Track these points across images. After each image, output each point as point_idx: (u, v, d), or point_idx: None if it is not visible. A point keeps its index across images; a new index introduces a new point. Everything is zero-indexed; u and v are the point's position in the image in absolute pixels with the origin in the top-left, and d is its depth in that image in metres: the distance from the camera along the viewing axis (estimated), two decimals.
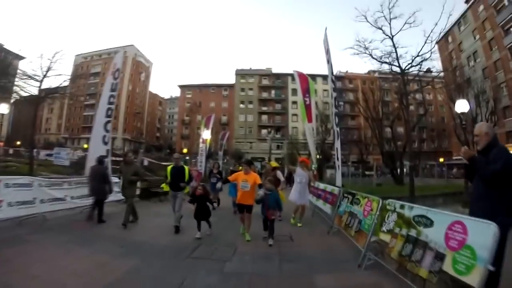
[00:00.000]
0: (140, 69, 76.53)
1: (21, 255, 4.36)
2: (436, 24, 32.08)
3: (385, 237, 3.94)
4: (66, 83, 24.23)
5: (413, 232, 3.37)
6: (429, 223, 3.15)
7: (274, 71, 67.02)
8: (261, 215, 6.26)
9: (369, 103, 39.25)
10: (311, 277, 3.96)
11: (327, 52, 8.73)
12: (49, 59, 18.48)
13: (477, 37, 41.48)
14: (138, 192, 9.27)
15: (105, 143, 8.05)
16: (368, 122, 38.04)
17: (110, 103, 8.11)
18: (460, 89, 40.61)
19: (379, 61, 20.70)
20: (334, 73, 39.42)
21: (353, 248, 4.93)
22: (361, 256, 4.29)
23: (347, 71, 64.30)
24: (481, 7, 40.12)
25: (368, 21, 18.47)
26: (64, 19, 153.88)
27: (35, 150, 25.68)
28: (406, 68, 19.78)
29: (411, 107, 55.59)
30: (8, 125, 24.80)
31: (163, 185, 7.88)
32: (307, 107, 9.97)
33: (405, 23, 17.77)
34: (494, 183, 2.82)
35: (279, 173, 8.89)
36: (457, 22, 45.86)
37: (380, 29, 18.55)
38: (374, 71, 64.08)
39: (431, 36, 18.14)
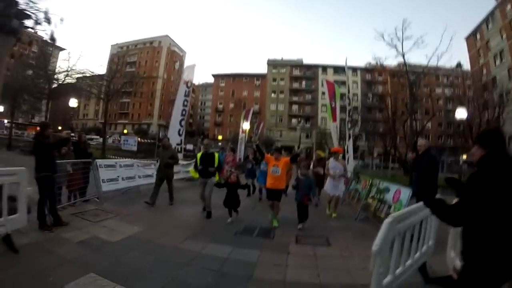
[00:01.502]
0: (174, 58, 79.60)
1: (144, 209, 7.29)
2: (437, 49, 34.40)
3: (370, 201, 6.66)
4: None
5: (381, 196, 6.08)
6: (388, 190, 5.85)
7: (305, 62, 68.38)
8: (295, 200, 6.34)
9: (398, 96, 40.64)
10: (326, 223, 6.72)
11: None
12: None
13: (504, 36, 41.54)
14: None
15: (180, 135, 10.99)
16: (395, 116, 39.36)
17: (184, 105, 11.02)
18: (485, 87, 41.37)
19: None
20: (364, 65, 41.24)
21: (354, 211, 7.65)
22: (357, 214, 7.03)
23: (377, 63, 64.87)
24: (509, 6, 40.12)
25: (384, 40, 22.67)
26: (99, 9, 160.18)
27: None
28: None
29: (440, 102, 56.20)
30: (46, 110, 28.08)
31: (191, 170, 8.49)
32: (333, 110, 12.39)
33: (414, 43, 22.36)
34: (422, 173, 5.38)
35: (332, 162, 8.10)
36: (486, 20, 45.80)
37: (394, 47, 22.73)
38: (404, 64, 64.42)
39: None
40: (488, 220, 1.84)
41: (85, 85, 32.91)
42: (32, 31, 7.16)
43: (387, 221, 2.43)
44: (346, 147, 10.08)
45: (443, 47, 71.48)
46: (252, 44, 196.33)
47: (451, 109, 47.19)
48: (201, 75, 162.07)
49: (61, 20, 7.42)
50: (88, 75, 29.30)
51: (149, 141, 28.75)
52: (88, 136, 38.46)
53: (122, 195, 8.44)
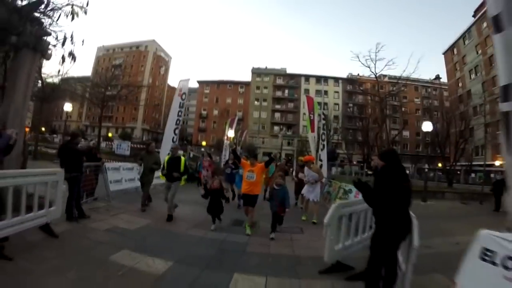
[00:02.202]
0: (160, 63, 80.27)
1: (147, 207, 8.46)
2: (404, 70, 37.76)
3: (338, 200, 8.04)
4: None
5: (346, 196, 7.48)
6: (351, 192, 7.24)
7: (289, 71, 70.31)
8: (270, 210, 6.33)
9: (376, 107, 42.72)
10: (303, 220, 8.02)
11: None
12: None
13: (479, 52, 44.42)
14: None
15: (173, 142, 12.13)
16: (367, 127, 41.46)
17: (178, 115, 12.16)
18: (461, 99, 44.07)
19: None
20: (346, 76, 43.69)
21: (326, 209, 9.01)
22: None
23: (358, 74, 67.53)
24: (485, 24, 43.02)
25: (360, 61, 25.77)
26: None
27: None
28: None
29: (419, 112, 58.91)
30: (40, 112, 28.75)
31: (160, 175, 8.28)
32: (312, 121, 13.74)
33: (386, 65, 26.37)
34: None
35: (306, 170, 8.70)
36: (463, 36, 48.81)
37: (368, 67, 27.71)
38: (384, 75, 67.31)
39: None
40: (388, 201, 3.19)
41: (70, 87, 33.49)
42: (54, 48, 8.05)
43: (334, 205, 3.77)
44: (319, 156, 11.44)
45: (412, 68, 76.15)
46: (237, 52, 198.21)
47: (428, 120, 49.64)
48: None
49: (83, 41, 8.46)
50: (75, 76, 29.92)
51: (140, 146, 29.57)
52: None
53: (124, 195, 9.50)
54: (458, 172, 42.50)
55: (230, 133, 22.95)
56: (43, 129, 51.07)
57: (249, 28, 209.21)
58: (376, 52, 26.41)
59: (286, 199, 6.31)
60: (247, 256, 4.74)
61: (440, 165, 44.28)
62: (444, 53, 54.70)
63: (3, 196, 4.02)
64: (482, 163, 37.15)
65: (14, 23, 7.06)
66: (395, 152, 3.53)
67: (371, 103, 47.79)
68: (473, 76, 45.41)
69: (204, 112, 71.07)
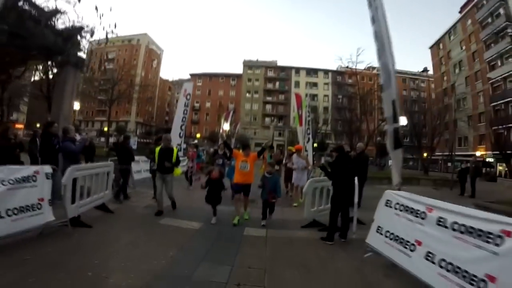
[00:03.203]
0: (152, 56, 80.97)
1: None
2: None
3: None
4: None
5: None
6: None
7: (280, 63, 72.31)
8: (261, 198, 6.64)
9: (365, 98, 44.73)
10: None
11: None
12: None
13: (464, 47, 46.51)
14: None
15: (180, 137, 13.95)
16: (365, 116, 43.39)
17: (184, 113, 13.98)
18: (446, 93, 46.36)
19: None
20: (336, 68, 45.68)
21: None
22: None
23: (347, 67, 69.41)
24: (469, 21, 45.07)
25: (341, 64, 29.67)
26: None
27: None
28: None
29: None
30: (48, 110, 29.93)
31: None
32: (300, 117, 15.60)
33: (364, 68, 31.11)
34: (357, 165, 8.74)
35: (295, 158, 9.79)
36: (448, 32, 50.90)
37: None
38: (373, 68, 69.39)
39: None
40: (335, 177, 5.27)
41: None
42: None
43: (309, 180, 5.81)
44: (305, 147, 13.34)
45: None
46: (229, 44, 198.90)
47: (416, 111, 51.67)
48: (178, 72, 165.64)
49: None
50: None
51: (145, 140, 31.26)
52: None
53: (143, 183, 11.35)
54: (440, 162, 45.13)
55: (226, 126, 24.75)
56: (37, 125, 51.47)
57: (241, 19, 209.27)
58: (357, 55, 30.78)
59: (278, 187, 6.69)
60: (251, 222, 6.65)
61: (425, 155, 46.72)
62: (430, 47, 56.89)
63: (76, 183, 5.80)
64: (464, 153, 39.70)
65: (59, 45, 8.86)
66: (342, 148, 5.64)
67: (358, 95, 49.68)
68: (457, 70, 47.58)
69: (196, 105, 72.36)
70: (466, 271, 2.81)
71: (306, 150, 12.57)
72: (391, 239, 4.01)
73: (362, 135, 39.24)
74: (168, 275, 3.68)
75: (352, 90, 59.90)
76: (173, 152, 7.13)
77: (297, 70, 69.88)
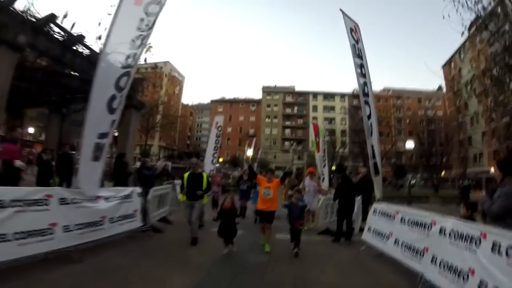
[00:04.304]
0: (174, 83, 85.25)
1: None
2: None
3: None
4: None
5: None
6: None
7: (297, 89, 74.93)
8: (288, 224, 6.43)
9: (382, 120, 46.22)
10: None
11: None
12: None
13: (474, 65, 47.76)
14: None
15: (213, 163, 16.13)
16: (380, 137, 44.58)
17: (216, 143, 16.22)
18: (459, 110, 47.37)
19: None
20: (351, 91, 47.32)
21: None
22: None
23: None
24: (478, 39, 46.39)
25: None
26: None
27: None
28: None
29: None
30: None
31: (180, 194, 8.26)
32: (317, 144, 17.63)
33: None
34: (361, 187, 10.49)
35: (307, 181, 9.38)
36: (458, 50, 52.35)
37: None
38: (388, 90, 71.16)
39: None
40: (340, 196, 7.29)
41: None
42: None
43: (322, 198, 7.83)
44: (322, 171, 15.19)
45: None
46: (247, 69, 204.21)
47: (433, 130, 52.57)
48: (197, 97, 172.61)
49: None
50: None
51: (179, 165, 33.67)
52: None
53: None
54: (454, 179, 45.62)
55: (249, 152, 26.91)
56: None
57: (258, 45, 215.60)
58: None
59: (303, 212, 6.72)
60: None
61: (443, 173, 47.16)
62: (443, 66, 58.24)
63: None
64: (480, 169, 40.21)
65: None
66: (345, 175, 7.68)
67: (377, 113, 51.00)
68: (468, 88, 48.57)
69: (211, 127, 74.61)
70: (412, 246, 4.79)
71: (322, 174, 14.45)
72: (375, 234, 6.00)
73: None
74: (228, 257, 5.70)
75: None
76: (203, 177, 6.80)
77: (315, 94, 72.20)
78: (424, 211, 5.13)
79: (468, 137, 34.51)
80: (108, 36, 5.00)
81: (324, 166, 15.51)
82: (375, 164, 6.66)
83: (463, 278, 3.48)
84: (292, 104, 73.41)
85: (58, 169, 8.01)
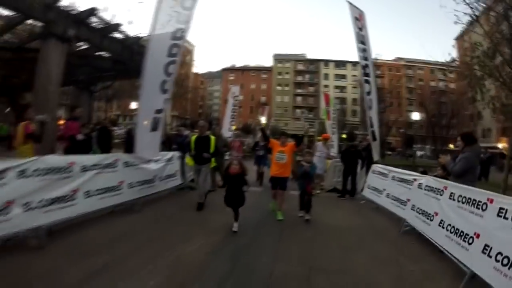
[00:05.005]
0: (185, 52, 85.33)
1: None
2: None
3: None
4: None
5: None
6: None
7: (308, 56, 74.53)
8: (299, 189, 6.24)
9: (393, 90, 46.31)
10: None
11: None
12: None
13: (487, 40, 46.83)
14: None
15: (230, 131, 17.43)
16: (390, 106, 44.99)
17: (233, 111, 17.45)
18: (470, 85, 46.95)
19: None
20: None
21: None
22: None
23: (375, 58, 70.42)
24: (492, 13, 45.33)
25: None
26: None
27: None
28: None
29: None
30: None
31: (187, 158, 8.06)
32: (328, 112, 18.72)
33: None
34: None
35: (320, 146, 9.71)
36: (473, 23, 51.08)
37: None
38: (400, 58, 70.23)
39: None
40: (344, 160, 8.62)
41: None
42: None
43: (331, 161, 9.14)
44: (331, 138, 16.29)
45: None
46: (258, 37, 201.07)
47: (443, 102, 52.41)
48: (207, 65, 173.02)
49: None
50: None
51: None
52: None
53: None
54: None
55: (263, 119, 28.07)
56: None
57: (269, 12, 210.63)
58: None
59: (313, 176, 6.47)
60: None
61: (451, 146, 47.64)
62: (455, 39, 57.00)
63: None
64: (487, 144, 40.67)
65: None
66: (350, 144, 8.85)
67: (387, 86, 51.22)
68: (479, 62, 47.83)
69: (228, 97, 75.63)
70: (398, 198, 6.11)
71: (332, 141, 15.66)
72: (372, 189, 7.35)
73: (390, 125, 41.18)
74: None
75: (380, 81, 61.56)
76: (211, 140, 6.58)
77: (326, 62, 71.78)
78: (409, 171, 6.40)
79: (478, 111, 34.31)
80: (152, 30, 6.13)
81: (334, 133, 16.69)
82: (373, 132, 8.03)
83: (431, 219, 4.81)
84: (303, 72, 73.28)
85: (99, 141, 8.72)
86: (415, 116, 22.64)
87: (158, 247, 4.30)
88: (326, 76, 70.70)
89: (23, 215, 3.90)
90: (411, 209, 5.50)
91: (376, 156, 8.13)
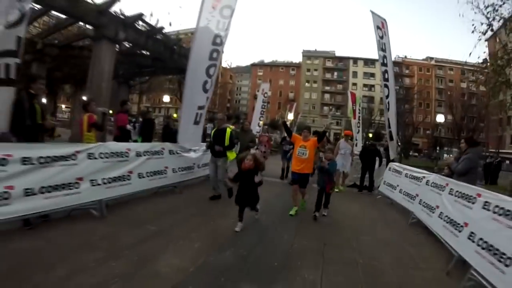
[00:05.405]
0: None
1: None
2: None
3: None
4: None
5: None
6: None
7: (337, 54, 74.27)
8: (318, 186, 6.15)
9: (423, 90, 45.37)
10: None
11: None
12: None
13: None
14: None
15: (259, 126, 18.28)
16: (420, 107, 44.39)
17: (262, 108, 18.26)
18: (499, 87, 45.54)
19: None
20: (393, 58, 47.18)
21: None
22: None
23: (405, 56, 69.27)
24: None
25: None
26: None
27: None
28: None
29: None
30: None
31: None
32: (354, 111, 19.18)
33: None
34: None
35: (343, 143, 9.77)
36: (505, 24, 49.25)
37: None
38: (431, 58, 68.47)
39: None
40: (362, 159, 9.40)
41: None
42: None
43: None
44: (355, 137, 16.90)
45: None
46: (287, 33, 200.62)
47: (473, 104, 50.77)
48: (236, 60, 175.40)
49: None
50: None
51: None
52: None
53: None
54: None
55: (290, 116, 28.77)
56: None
57: (298, 8, 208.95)
58: None
59: (334, 174, 6.47)
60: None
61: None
62: (487, 40, 54.91)
63: None
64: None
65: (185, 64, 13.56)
66: (368, 144, 9.50)
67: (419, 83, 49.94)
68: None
69: (258, 93, 76.49)
70: (408, 193, 6.80)
71: (356, 140, 16.26)
72: (387, 186, 8.07)
73: (417, 126, 40.71)
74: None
75: (409, 81, 60.59)
76: (226, 133, 6.52)
77: (355, 60, 71.26)
78: (420, 170, 7.07)
79: (508, 116, 33.21)
80: (194, 37, 7.10)
81: (358, 132, 17.26)
82: (390, 132, 8.73)
83: (432, 211, 5.52)
84: (332, 69, 73.17)
85: (142, 131, 9.60)
86: (440, 118, 22.67)
87: (199, 221, 5.26)
88: (355, 74, 70.19)
89: (90, 189, 4.86)
90: (419, 203, 6.21)
91: (392, 154, 8.81)
